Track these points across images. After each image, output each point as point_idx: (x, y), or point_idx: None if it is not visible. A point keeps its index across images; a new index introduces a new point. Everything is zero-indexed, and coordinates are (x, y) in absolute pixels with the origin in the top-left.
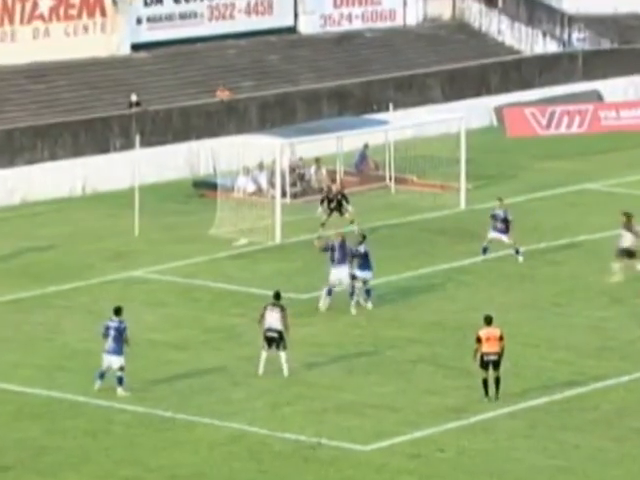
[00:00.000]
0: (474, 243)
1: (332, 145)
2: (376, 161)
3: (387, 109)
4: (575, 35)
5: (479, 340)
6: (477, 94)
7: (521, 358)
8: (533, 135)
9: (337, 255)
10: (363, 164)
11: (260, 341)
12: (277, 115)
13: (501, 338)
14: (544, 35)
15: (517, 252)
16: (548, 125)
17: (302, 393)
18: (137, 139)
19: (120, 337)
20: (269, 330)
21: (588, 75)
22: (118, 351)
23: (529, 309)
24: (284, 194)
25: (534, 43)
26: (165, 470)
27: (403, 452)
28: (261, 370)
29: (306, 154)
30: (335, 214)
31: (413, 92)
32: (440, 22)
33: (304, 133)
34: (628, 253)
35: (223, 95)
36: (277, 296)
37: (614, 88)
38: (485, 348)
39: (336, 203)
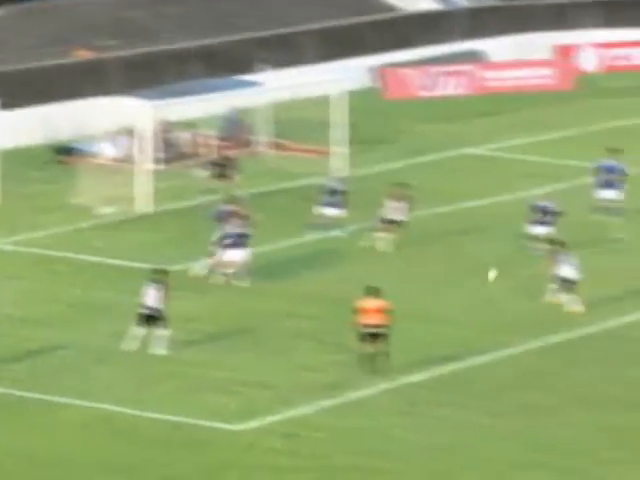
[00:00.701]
0: (354, 211)
1: (202, 108)
2: (248, 125)
3: (259, 70)
4: None
5: (360, 311)
6: (354, 54)
7: (401, 332)
8: (413, 97)
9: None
10: (235, 128)
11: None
12: (142, 76)
13: (386, 311)
14: None
15: (341, 230)
16: (429, 86)
17: (173, 371)
18: None
19: None
20: (143, 307)
21: (470, 34)
22: None
23: (410, 281)
24: (152, 160)
25: None
26: (23, 455)
27: (276, 431)
28: (129, 346)
29: (175, 117)
30: (223, 180)
31: (287, 51)
32: None
33: (172, 95)
34: (392, 222)
35: (84, 54)
36: (159, 272)
37: (497, 48)
38: (366, 320)
39: (223, 169)
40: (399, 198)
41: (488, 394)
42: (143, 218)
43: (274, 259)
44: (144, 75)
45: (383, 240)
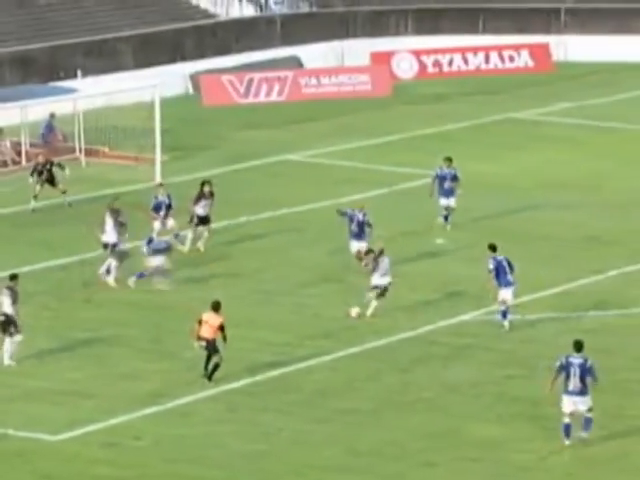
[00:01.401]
0: (175, 218)
1: (16, 115)
2: (64, 132)
3: (75, 76)
4: None
5: (199, 322)
6: (171, 60)
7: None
8: (231, 104)
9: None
10: (50, 135)
11: None
12: None
13: (221, 328)
14: None
15: (176, 236)
16: (246, 93)
17: None
18: None
19: None
20: (2, 315)
21: (287, 40)
22: None
23: (230, 287)
24: None
25: (230, 6)
26: None
27: (97, 441)
28: (7, 361)
29: None
30: (47, 186)
31: (103, 58)
32: None
33: None
34: (203, 220)
35: None
36: (11, 277)
37: (314, 54)
38: (200, 332)
39: (47, 174)
40: (207, 196)
41: (309, 400)
42: None
43: (89, 267)
44: None
45: (202, 240)
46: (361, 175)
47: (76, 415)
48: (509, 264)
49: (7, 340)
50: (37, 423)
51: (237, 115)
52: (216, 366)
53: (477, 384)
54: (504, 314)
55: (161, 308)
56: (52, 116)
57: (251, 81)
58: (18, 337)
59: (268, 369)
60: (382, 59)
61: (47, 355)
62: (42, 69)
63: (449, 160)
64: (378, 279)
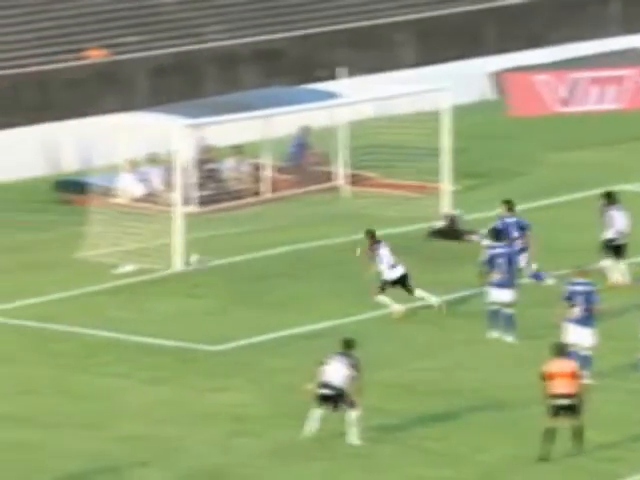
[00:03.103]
0: (469, 269)
1: (257, 129)
2: (321, 151)
3: (335, 77)
4: None
5: (545, 377)
6: (466, 55)
7: None
8: (548, 113)
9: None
10: (302, 156)
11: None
12: (175, 85)
13: (576, 375)
14: None
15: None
16: (569, 99)
17: None
18: None
19: None
20: (325, 386)
21: (629, 26)
22: None
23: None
24: (188, 200)
25: None
26: None
27: None
28: (309, 431)
29: (220, 141)
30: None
31: (373, 52)
32: None
33: (216, 111)
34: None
35: (96, 55)
36: (347, 344)
37: None
38: (554, 388)
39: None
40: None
41: None
42: (176, 279)
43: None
44: (178, 83)
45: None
46: None
47: None
48: None
49: (350, 414)
50: None
51: (556, 129)
52: (580, 431)
53: None
54: None
55: (447, 392)
56: (305, 130)
57: (576, 83)
58: (352, 413)
59: None
60: None
61: (295, 455)
62: (291, 67)
63: None
64: None
